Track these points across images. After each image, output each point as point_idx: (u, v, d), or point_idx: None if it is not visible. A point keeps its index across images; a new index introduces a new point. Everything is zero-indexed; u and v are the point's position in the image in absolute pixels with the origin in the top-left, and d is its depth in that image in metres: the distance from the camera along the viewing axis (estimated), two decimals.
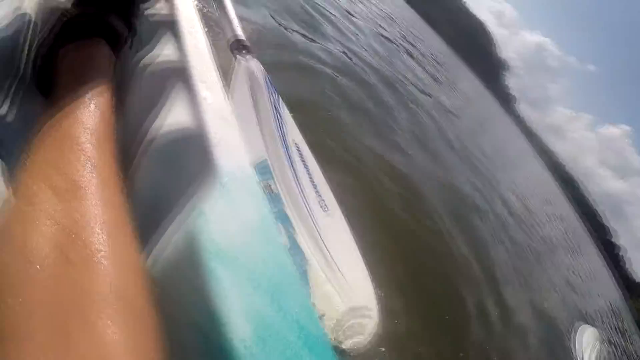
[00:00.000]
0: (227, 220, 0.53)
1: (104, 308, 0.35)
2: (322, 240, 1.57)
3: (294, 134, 1.82)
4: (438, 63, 16.81)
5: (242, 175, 0.58)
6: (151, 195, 0.60)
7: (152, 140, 0.61)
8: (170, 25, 0.82)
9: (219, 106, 0.63)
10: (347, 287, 1.50)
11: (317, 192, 1.74)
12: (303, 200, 1.63)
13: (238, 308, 0.48)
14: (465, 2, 41.41)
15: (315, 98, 4.02)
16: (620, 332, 14.44)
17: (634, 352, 12.24)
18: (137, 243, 0.44)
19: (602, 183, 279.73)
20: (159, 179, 0.61)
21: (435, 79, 12.12)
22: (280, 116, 1.80)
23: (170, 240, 0.53)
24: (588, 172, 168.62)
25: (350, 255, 1.61)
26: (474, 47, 42.57)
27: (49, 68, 0.60)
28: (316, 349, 0.52)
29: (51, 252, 0.36)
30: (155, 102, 0.65)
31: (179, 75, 0.68)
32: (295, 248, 1.49)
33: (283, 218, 1.52)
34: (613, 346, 10.08)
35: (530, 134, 39.55)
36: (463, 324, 3.15)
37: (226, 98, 0.66)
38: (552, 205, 21.70)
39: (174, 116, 0.62)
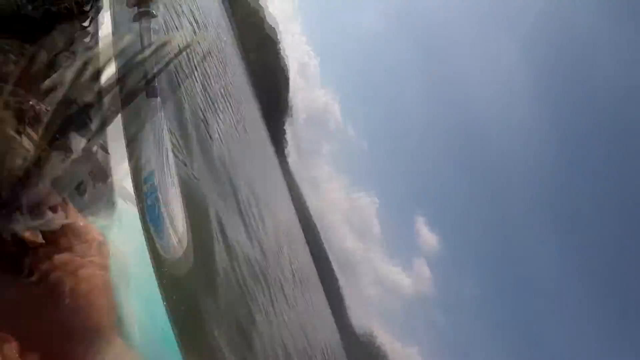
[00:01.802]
0: None
1: None
2: None
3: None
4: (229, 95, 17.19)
5: None
6: None
7: None
8: None
9: None
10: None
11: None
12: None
13: None
14: (280, 45, 43.73)
15: None
16: None
17: None
18: None
19: (343, 239, 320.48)
20: None
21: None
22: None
23: None
24: (332, 226, 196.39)
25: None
26: (271, 85, 44.28)
27: None
28: None
29: None
30: None
31: None
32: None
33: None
34: None
35: (292, 180, 43.12)
36: None
37: None
38: (294, 245, 23.82)
39: None
